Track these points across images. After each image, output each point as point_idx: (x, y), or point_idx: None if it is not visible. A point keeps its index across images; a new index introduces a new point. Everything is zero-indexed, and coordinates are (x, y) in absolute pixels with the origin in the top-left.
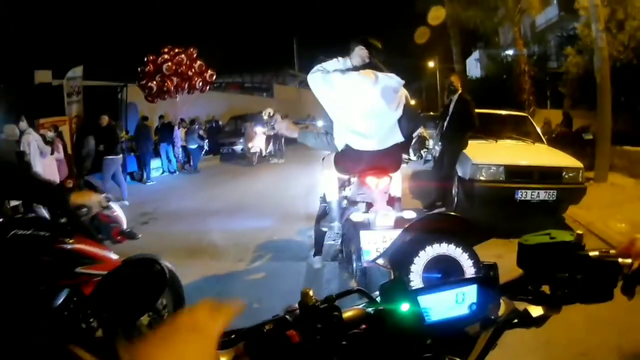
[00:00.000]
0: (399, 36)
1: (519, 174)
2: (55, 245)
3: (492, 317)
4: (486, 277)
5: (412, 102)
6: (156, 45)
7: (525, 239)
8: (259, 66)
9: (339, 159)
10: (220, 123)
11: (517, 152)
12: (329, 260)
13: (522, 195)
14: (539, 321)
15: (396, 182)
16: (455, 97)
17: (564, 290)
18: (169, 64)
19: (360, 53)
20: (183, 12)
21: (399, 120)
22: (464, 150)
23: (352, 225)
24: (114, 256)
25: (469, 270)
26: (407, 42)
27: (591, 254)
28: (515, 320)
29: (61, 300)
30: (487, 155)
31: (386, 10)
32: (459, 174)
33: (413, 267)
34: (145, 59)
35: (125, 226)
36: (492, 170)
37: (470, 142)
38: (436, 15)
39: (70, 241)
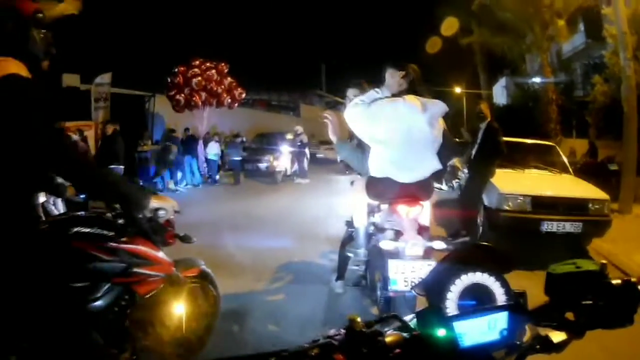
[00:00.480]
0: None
1: (545, 205)
2: (114, 244)
3: (518, 342)
4: (517, 304)
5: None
6: (185, 56)
7: (553, 269)
8: (287, 85)
9: (370, 184)
10: (244, 139)
11: (543, 183)
12: (351, 286)
13: (547, 226)
14: (560, 347)
15: (426, 211)
16: (484, 125)
17: (588, 316)
18: (199, 78)
19: (396, 79)
20: (215, 27)
21: (439, 151)
22: (491, 180)
23: (379, 253)
24: (168, 258)
25: (500, 298)
26: (432, 67)
27: (614, 282)
28: (538, 346)
29: (113, 298)
30: (515, 185)
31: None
32: (485, 203)
33: (449, 295)
34: (175, 70)
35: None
36: (519, 200)
37: (497, 171)
38: (462, 40)
39: (128, 241)
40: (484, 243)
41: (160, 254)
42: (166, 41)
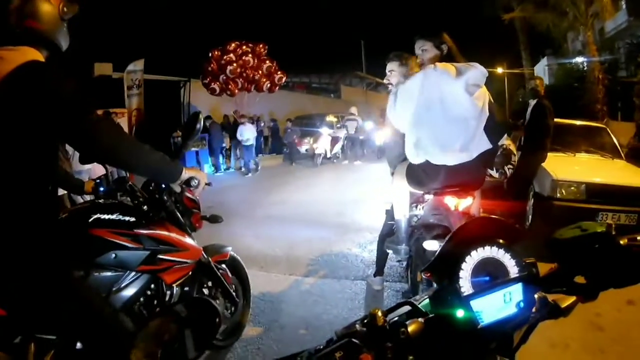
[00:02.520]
0: (465, 41)
1: (601, 194)
2: (137, 231)
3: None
4: (530, 274)
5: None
6: (222, 38)
7: (560, 234)
8: (327, 67)
9: (412, 171)
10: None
11: (597, 169)
12: (390, 281)
13: (603, 217)
14: (566, 311)
15: (476, 202)
16: (534, 102)
17: (598, 278)
18: (234, 65)
19: (428, 50)
20: (253, 8)
21: (485, 126)
22: (543, 164)
23: (422, 252)
24: (196, 244)
25: (513, 270)
26: (473, 48)
27: (621, 241)
28: (546, 313)
29: (140, 287)
30: (568, 171)
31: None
32: (536, 189)
33: (462, 274)
34: (210, 55)
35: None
36: (572, 188)
37: (549, 155)
38: (505, 16)
39: (153, 227)
40: (491, 216)
41: (188, 240)
42: (202, 23)
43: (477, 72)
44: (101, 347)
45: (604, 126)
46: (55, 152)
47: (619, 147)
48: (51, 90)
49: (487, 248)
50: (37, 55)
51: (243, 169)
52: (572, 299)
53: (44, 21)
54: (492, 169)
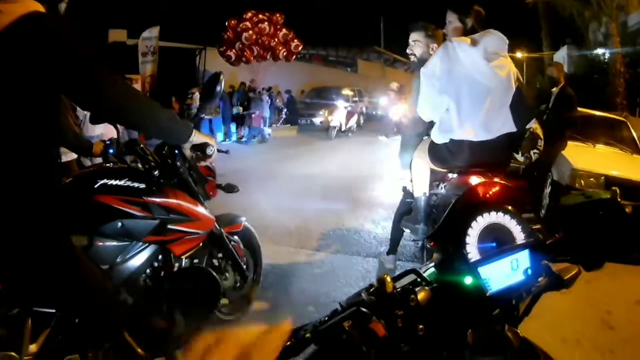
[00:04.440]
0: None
1: (620, 188)
2: (145, 199)
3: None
4: (537, 240)
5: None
6: (240, 8)
7: (564, 200)
8: (345, 40)
9: (436, 148)
10: (293, 94)
11: (617, 162)
12: (403, 261)
13: None
14: (569, 282)
15: None
16: (556, 90)
17: (604, 247)
18: (250, 32)
19: (448, 20)
20: None
21: (512, 106)
22: (563, 152)
23: None
24: (209, 214)
25: (519, 236)
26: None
27: (627, 208)
28: (549, 284)
29: (146, 258)
30: (588, 162)
31: None
32: (554, 177)
33: (468, 239)
34: (226, 24)
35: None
36: (592, 179)
37: (569, 144)
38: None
39: (164, 195)
40: (495, 180)
41: (200, 209)
42: None
43: (493, 37)
44: (98, 322)
45: (624, 119)
46: (58, 112)
47: (637, 142)
48: (55, 39)
49: (493, 214)
50: (38, 6)
51: (256, 138)
52: (575, 270)
53: None
54: (518, 152)
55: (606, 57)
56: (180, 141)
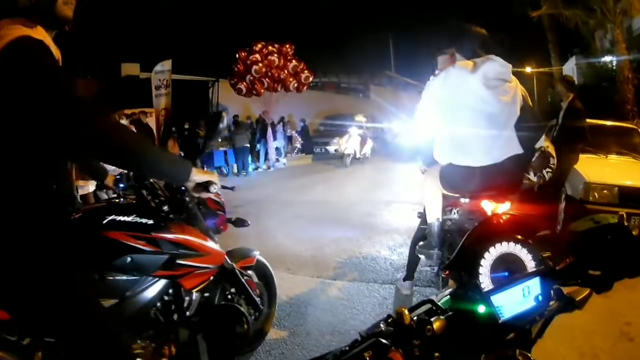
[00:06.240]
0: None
1: (634, 198)
2: (154, 234)
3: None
4: (547, 268)
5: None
6: (250, 38)
7: (574, 227)
8: (356, 67)
9: (447, 173)
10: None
11: (630, 171)
12: (420, 286)
13: (633, 223)
14: (581, 304)
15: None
16: (565, 104)
17: (613, 268)
18: (259, 65)
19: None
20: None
21: (517, 129)
22: (575, 166)
23: None
24: (219, 248)
25: (530, 265)
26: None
27: (633, 232)
28: (562, 306)
29: (156, 292)
30: (601, 173)
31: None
32: (568, 192)
33: (481, 270)
34: (237, 55)
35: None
36: (605, 191)
37: (581, 157)
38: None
39: (172, 230)
40: (505, 212)
41: (210, 244)
42: (231, 24)
43: (493, 64)
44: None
45: (634, 127)
46: (57, 147)
47: None
48: (37, 67)
49: (505, 244)
50: (29, 32)
51: (272, 167)
52: (587, 291)
53: None
54: (529, 173)
55: (614, 64)
56: (179, 181)
